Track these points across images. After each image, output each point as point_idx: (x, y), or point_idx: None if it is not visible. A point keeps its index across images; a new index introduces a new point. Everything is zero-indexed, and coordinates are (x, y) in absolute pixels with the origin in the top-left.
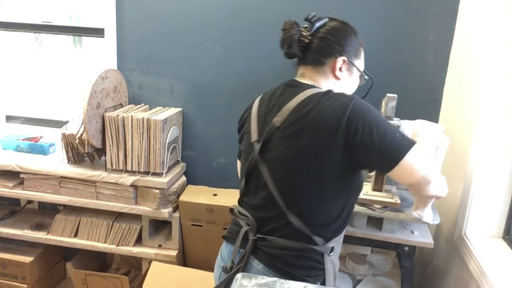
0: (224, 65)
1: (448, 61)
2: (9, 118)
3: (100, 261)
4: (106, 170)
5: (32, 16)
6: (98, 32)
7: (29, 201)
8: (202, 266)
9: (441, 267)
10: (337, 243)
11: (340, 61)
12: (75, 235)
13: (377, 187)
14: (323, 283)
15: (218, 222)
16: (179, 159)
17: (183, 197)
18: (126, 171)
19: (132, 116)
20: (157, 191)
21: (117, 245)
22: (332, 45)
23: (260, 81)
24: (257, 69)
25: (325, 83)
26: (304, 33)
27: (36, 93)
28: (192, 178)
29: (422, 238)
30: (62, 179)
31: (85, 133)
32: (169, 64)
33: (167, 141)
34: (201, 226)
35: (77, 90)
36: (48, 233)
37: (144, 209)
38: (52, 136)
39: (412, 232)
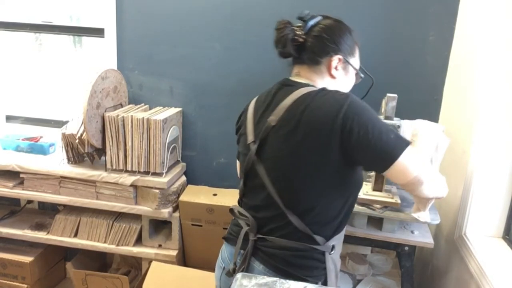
0: (224, 65)
1: (448, 61)
2: (9, 118)
3: (100, 261)
4: (106, 170)
5: (32, 16)
6: (98, 32)
7: (29, 201)
8: (202, 266)
9: (441, 267)
10: (338, 241)
11: (335, 59)
12: (75, 235)
13: (377, 187)
14: (325, 283)
15: (218, 222)
16: (179, 159)
17: (183, 197)
18: (126, 171)
19: (132, 116)
20: (157, 191)
21: (117, 245)
22: (327, 44)
23: (260, 81)
24: (257, 69)
25: (320, 82)
26: (298, 32)
27: (36, 93)
28: (192, 178)
29: (422, 238)
30: (62, 179)
31: (85, 133)
32: (169, 64)
33: (167, 141)
34: (201, 226)
35: (77, 90)
36: (48, 233)
37: (144, 209)
38: (52, 136)
39: (412, 232)
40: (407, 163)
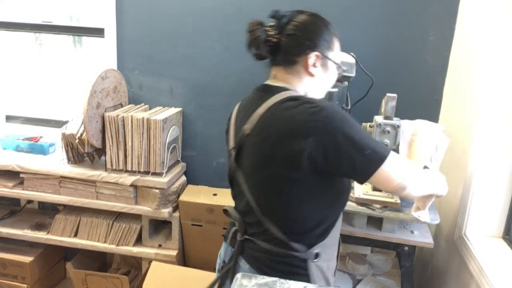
0: (224, 65)
1: (448, 61)
2: (9, 118)
3: (100, 261)
4: (106, 170)
5: (32, 16)
6: (98, 32)
7: (29, 201)
8: (202, 266)
9: (441, 267)
10: (323, 247)
11: (312, 57)
12: (75, 235)
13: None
14: None
15: (218, 222)
16: (179, 159)
17: (183, 197)
18: (126, 171)
19: (132, 116)
20: (157, 191)
21: (117, 245)
22: (301, 42)
23: (260, 81)
24: (257, 69)
25: (298, 83)
26: (270, 32)
27: (36, 93)
28: (192, 178)
29: (422, 238)
30: (62, 179)
31: (85, 133)
32: (169, 64)
33: (167, 141)
34: (201, 226)
35: (77, 90)
36: (48, 233)
37: (144, 209)
38: (52, 136)
39: (412, 232)
40: (387, 174)
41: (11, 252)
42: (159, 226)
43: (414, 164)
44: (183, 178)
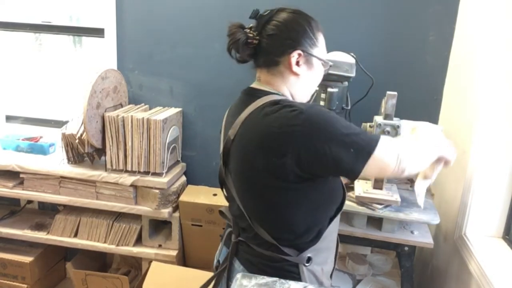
0: (224, 65)
1: (448, 61)
2: (9, 118)
3: (100, 261)
4: (106, 170)
5: (32, 16)
6: (98, 32)
7: (29, 201)
8: (202, 266)
9: (441, 267)
10: (316, 251)
11: (295, 55)
12: (75, 235)
13: (378, 185)
14: None
15: (218, 222)
16: (179, 159)
17: (183, 197)
18: (126, 171)
19: (132, 116)
20: (157, 191)
21: (117, 245)
22: (282, 41)
23: None
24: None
25: (283, 84)
26: (251, 34)
27: (36, 93)
28: (192, 178)
29: (422, 238)
30: (62, 179)
31: (85, 133)
32: (169, 64)
33: (167, 141)
34: (201, 226)
35: (77, 90)
36: (48, 233)
37: (144, 209)
38: (52, 136)
39: (412, 232)
40: (378, 164)
41: (11, 252)
42: (159, 226)
43: (406, 140)
44: (183, 178)
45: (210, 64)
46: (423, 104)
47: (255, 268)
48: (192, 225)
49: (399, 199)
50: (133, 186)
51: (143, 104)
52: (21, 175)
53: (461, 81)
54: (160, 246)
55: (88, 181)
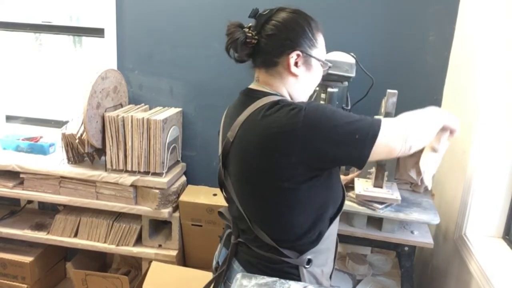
0: (224, 65)
1: (448, 61)
2: (9, 118)
3: (100, 261)
4: (106, 170)
5: (32, 16)
6: (98, 32)
7: (29, 201)
8: (202, 266)
9: (441, 267)
10: (316, 253)
11: (293, 56)
12: (75, 235)
13: (378, 184)
14: None
15: (218, 222)
16: (179, 159)
17: (183, 197)
18: (126, 171)
19: (132, 116)
20: (157, 191)
21: (117, 245)
22: (281, 42)
23: None
24: None
25: (281, 85)
26: (249, 34)
27: (36, 93)
28: (192, 178)
29: (422, 238)
30: (62, 179)
31: (85, 133)
32: (169, 64)
33: (167, 141)
34: (201, 226)
35: (77, 90)
36: (48, 233)
37: (144, 209)
38: (52, 136)
39: (412, 232)
40: (384, 146)
41: (11, 252)
42: (159, 226)
43: (407, 115)
44: (183, 178)
45: (210, 64)
46: (423, 104)
47: (255, 269)
48: (192, 225)
49: (399, 198)
50: (133, 186)
51: (143, 104)
52: (21, 175)
53: (461, 81)
54: (160, 246)
55: (88, 181)
